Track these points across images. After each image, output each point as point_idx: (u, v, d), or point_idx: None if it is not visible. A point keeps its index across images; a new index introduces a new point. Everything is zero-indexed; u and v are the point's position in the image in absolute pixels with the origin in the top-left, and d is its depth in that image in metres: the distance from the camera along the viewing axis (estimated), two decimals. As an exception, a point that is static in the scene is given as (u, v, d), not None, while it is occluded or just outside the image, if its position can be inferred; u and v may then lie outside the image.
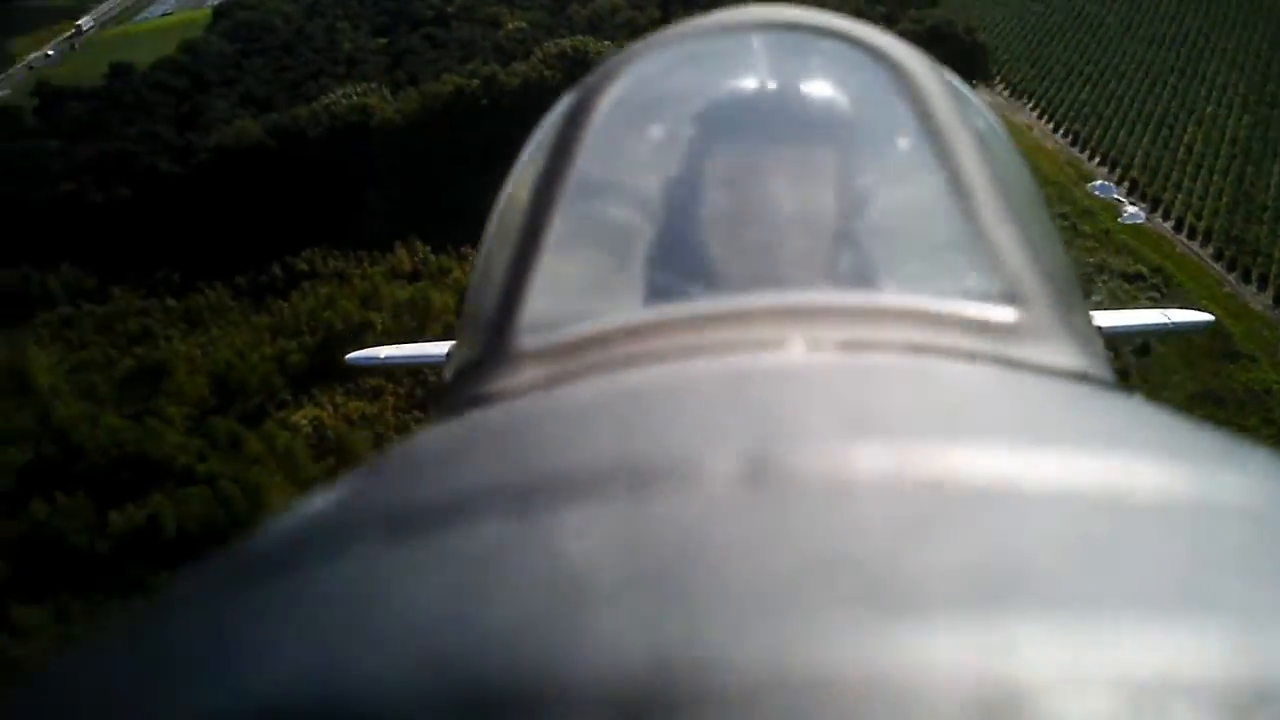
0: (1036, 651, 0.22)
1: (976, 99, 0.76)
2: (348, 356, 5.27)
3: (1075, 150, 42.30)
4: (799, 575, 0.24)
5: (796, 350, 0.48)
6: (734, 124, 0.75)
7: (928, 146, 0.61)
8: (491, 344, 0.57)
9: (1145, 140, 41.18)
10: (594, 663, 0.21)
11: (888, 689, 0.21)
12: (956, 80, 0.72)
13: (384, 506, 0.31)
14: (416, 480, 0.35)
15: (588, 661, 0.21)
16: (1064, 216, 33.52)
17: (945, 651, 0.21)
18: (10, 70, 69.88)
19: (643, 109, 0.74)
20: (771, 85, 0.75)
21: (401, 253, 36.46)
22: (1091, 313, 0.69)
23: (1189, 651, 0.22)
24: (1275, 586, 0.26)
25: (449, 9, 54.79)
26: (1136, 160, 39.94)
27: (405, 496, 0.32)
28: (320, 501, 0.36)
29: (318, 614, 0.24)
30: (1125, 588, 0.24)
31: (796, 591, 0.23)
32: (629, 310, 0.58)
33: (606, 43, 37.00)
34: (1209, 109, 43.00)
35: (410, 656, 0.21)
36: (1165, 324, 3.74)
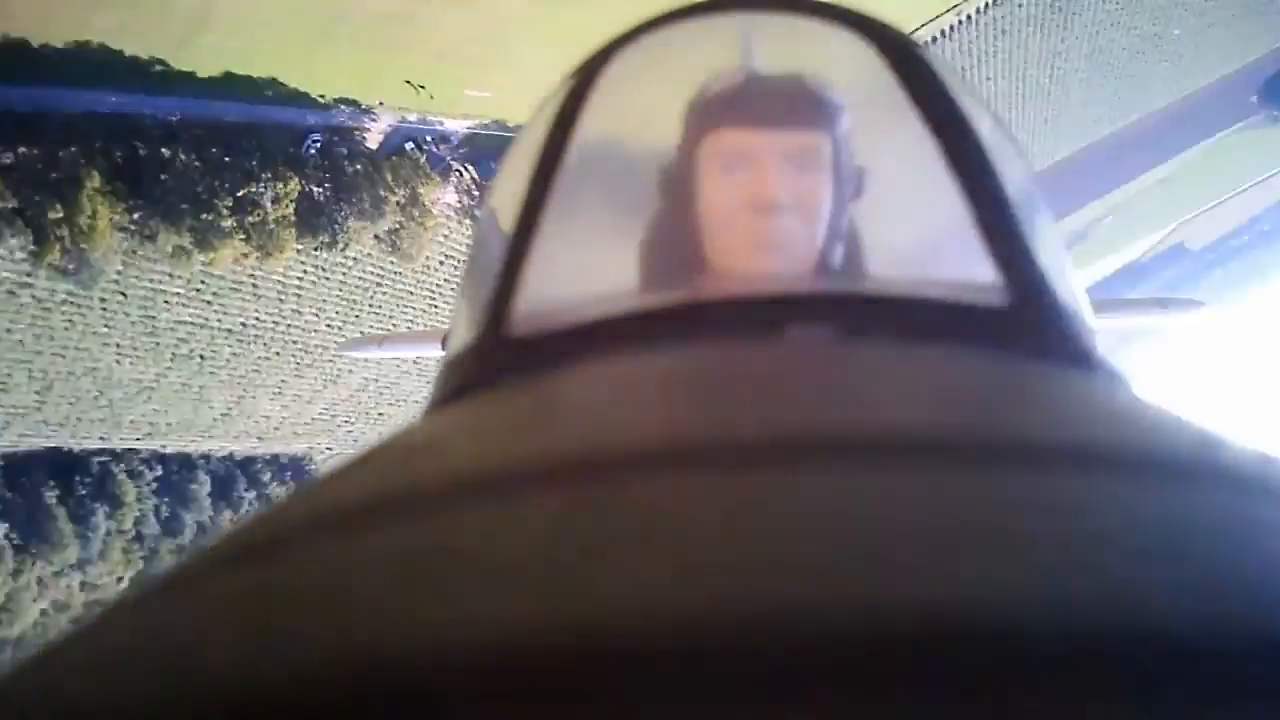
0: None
1: (968, 81, 0.77)
2: (338, 346, 5.15)
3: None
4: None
5: (796, 338, 0.47)
6: (736, 106, 0.74)
7: (927, 128, 0.60)
8: (487, 330, 0.56)
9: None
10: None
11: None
12: (945, 60, 0.73)
13: (376, 495, 0.31)
14: (412, 469, 0.34)
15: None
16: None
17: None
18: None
19: (642, 91, 0.74)
20: (773, 66, 0.75)
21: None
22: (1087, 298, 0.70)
23: None
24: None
25: None
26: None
27: (400, 485, 0.32)
28: (314, 489, 0.36)
29: (303, 603, 0.24)
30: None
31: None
32: (626, 297, 0.58)
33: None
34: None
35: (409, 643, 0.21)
36: (1158, 310, 3.76)
